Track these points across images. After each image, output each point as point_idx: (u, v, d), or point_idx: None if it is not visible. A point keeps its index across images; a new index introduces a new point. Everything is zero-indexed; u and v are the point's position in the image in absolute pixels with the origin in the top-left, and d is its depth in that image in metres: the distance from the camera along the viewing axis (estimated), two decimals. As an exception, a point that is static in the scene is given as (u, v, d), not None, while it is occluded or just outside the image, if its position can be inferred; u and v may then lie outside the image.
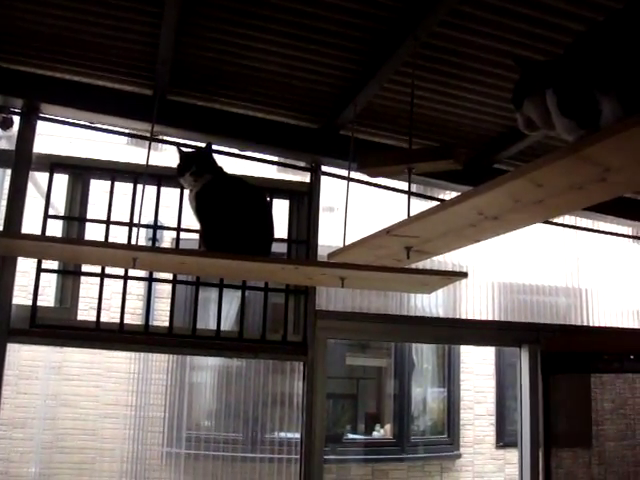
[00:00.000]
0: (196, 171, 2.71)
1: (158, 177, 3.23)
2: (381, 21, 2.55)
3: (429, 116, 3.19)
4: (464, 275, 2.72)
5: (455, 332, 3.75)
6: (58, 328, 3.04)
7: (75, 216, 3.18)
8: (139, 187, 3.22)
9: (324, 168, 3.50)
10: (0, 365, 2.90)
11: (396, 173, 2.47)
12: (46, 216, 3.11)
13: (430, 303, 4.84)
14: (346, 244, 2.58)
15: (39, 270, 3.05)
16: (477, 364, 6.54)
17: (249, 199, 2.84)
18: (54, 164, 3.16)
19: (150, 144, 2.85)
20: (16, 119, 3.13)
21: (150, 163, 3.23)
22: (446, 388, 6.66)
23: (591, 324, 4.46)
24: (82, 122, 3.23)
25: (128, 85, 3.14)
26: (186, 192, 2.99)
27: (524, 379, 3.63)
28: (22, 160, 3.08)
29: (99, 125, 3.23)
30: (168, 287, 3.28)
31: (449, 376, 6.64)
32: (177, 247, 3.28)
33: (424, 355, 6.77)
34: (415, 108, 3.12)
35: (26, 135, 3.09)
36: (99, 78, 3.08)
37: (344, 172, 3.54)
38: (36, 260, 3.06)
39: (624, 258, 4.74)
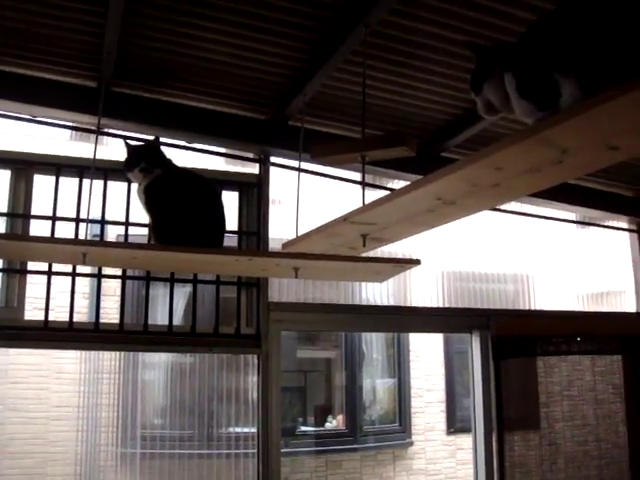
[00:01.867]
0: (145, 167, 2.66)
1: (104, 171, 3.16)
2: (331, 9, 2.54)
3: (379, 105, 3.20)
4: (417, 262, 2.72)
5: (406, 320, 3.79)
6: (5, 329, 2.93)
7: (19, 213, 3.08)
8: (85, 182, 3.15)
9: (273, 159, 3.48)
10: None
11: (349, 161, 2.47)
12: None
13: (381, 293, 4.87)
14: (300, 234, 2.56)
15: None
16: (426, 352, 6.62)
17: (200, 191, 2.80)
18: (-2, 159, 3.05)
19: (97, 137, 2.78)
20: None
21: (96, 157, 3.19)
22: (396, 377, 6.72)
23: (538, 309, 4.56)
24: (24, 116, 3.13)
25: (72, 77, 3.04)
26: (134, 186, 2.94)
27: (475, 364, 3.68)
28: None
29: (42, 119, 3.13)
30: (114, 284, 3.21)
31: (399, 365, 6.69)
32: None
33: (374, 345, 6.82)
34: (365, 97, 3.16)
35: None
36: (41, 70, 2.97)
37: (293, 163, 3.54)
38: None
39: (568, 243, 4.86)
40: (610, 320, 4.16)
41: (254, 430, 3.31)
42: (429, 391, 6.55)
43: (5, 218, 3.10)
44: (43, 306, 2.99)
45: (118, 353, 4.49)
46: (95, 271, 3.16)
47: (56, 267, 3.10)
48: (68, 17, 2.59)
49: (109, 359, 4.52)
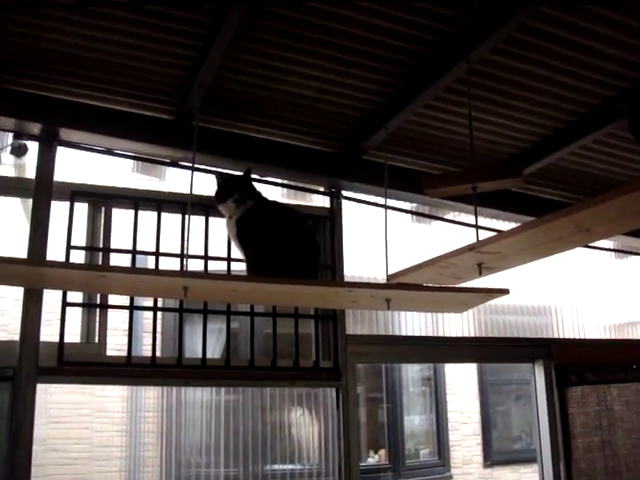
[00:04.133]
0: (239, 198, 2.66)
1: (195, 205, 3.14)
2: (425, 44, 2.60)
3: (460, 142, 3.25)
4: (506, 292, 2.77)
5: (478, 351, 3.81)
6: (87, 365, 2.87)
7: (98, 247, 3.04)
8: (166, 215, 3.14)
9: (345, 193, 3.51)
10: (31, 406, 2.72)
11: (460, 193, 2.50)
12: (69, 247, 2.96)
13: (414, 324, 4.88)
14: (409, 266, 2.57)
15: (64, 304, 2.89)
16: (461, 385, 6.63)
17: (293, 223, 2.82)
18: (74, 192, 3.01)
19: (193, 173, 2.77)
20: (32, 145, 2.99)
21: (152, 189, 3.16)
22: (434, 411, 6.72)
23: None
24: (100, 148, 3.11)
25: (149, 110, 3.05)
26: (222, 220, 2.93)
27: (539, 394, 3.72)
28: (43, 189, 2.92)
29: (120, 151, 3.12)
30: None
31: (436, 398, 6.71)
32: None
33: (409, 379, 6.80)
34: (447, 134, 3.23)
35: (46, 162, 2.94)
36: (119, 103, 2.98)
37: (362, 196, 3.58)
38: (61, 294, 2.89)
39: (599, 272, 4.94)
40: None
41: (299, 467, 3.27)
42: (465, 424, 6.55)
43: (84, 252, 3.05)
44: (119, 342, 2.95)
45: (159, 391, 4.41)
46: (176, 305, 3.12)
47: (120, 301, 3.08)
48: (160, 50, 2.60)
49: (152, 397, 4.43)
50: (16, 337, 2.78)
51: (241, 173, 2.77)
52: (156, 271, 2.67)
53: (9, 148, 2.98)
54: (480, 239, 2.33)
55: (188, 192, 2.72)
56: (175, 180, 3.41)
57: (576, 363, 3.74)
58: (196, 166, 3.17)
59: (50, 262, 2.42)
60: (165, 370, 2.97)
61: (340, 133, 3.26)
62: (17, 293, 2.94)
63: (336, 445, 3.20)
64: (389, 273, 2.63)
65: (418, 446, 6.74)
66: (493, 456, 6.57)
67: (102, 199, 3.09)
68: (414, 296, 2.81)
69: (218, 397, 4.39)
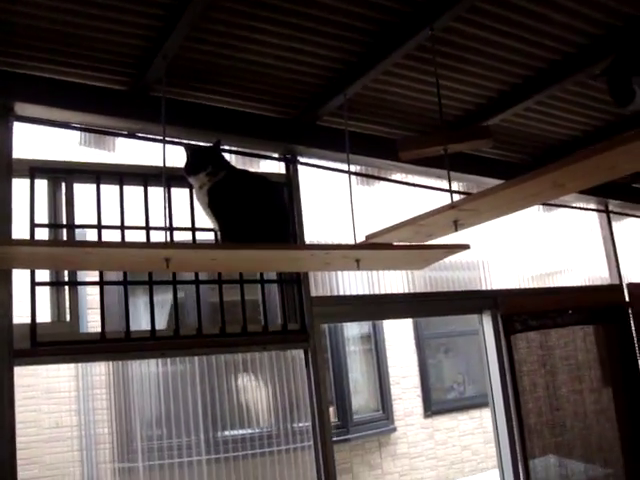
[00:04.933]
0: (212, 171, 2.70)
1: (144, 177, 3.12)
2: (386, 11, 2.67)
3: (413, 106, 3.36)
4: (467, 247, 2.93)
5: (424, 305, 4.00)
6: (62, 344, 2.83)
7: (62, 223, 2.97)
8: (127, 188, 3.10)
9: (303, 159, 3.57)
10: (10, 390, 2.66)
11: (432, 154, 2.63)
12: (33, 225, 2.87)
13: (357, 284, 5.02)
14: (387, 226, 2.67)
15: (34, 284, 2.82)
16: (399, 341, 6.88)
17: (263, 190, 2.88)
18: (34, 168, 2.92)
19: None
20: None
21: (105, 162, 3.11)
22: (376, 367, 6.93)
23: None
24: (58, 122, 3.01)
25: (106, 82, 2.98)
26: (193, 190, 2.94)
27: (488, 342, 3.97)
28: (2, 166, 2.81)
29: (78, 125, 3.04)
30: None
31: (377, 355, 6.92)
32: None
33: (351, 338, 6.99)
34: (401, 98, 3.34)
35: (3, 139, 2.83)
36: (76, 75, 2.89)
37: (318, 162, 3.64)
38: (29, 273, 2.82)
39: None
40: (584, 294, 4.59)
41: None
42: (404, 378, 6.82)
43: (48, 230, 2.97)
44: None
45: (106, 367, 4.37)
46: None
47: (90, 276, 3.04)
48: (120, 20, 2.54)
49: (101, 374, 4.37)
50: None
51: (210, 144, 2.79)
52: (143, 244, 2.65)
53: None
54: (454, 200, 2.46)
55: (146, 164, 2.67)
56: (125, 152, 3.35)
57: (519, 312, 4.00)
58: (150, 136, 3.17)
59: (35, 241, 2.37)
60: (140, 344, 2.97)
61: (297, 100, 3.30)
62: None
63: (308, 404, 3.30)
64: (368, 234, 2.73)
65: (363, 402, 6.99)
66: (432, 407, 6.91)
67: (62, 174, 3.01)
68: (383, 255, 2.94)
69: (165, 368, 4.40)
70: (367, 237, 2.73)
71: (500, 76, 3.23)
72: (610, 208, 5.10)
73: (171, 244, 2.64)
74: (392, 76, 3.11)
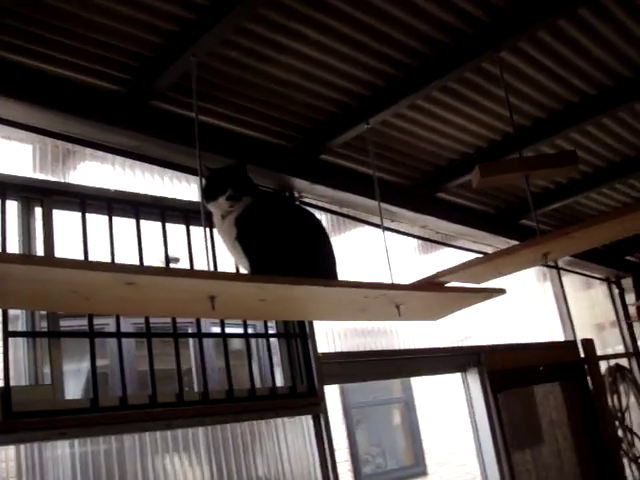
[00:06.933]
0: (233, 195, 2.17)
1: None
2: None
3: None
4: (502, 291, 2.68)
5: (416, 364, 3.63)
6: (39, 415, 2.13)
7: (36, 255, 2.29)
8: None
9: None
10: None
11: (511, 182, 2.36)
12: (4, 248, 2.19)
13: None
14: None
15: (6, 333, 2.12)
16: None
17: (303, 220, 2.39)
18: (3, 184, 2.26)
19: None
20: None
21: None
22: None
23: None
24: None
25: (96, 77, 2.40)
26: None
27: (475, 401, 3.69)
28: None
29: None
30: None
31: None
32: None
33: None
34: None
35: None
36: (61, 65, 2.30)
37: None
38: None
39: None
40: (550, 350, 4.47)
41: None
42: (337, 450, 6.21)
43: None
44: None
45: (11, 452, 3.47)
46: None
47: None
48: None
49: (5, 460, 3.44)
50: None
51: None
52: (187, 271, 2.07)
53: None
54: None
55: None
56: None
57: (502, 368, 3.78)
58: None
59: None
60: (137, 413, 2.32)
61: (306, 128, 2.91)
62: None
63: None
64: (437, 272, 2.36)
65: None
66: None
67: (38, 195, 2.35)
68: (428, 300, 2.58)
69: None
70: (434, 276, 2.35)
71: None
72: (560, 265, 5.08)
73: (218, 273, 2.08)
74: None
